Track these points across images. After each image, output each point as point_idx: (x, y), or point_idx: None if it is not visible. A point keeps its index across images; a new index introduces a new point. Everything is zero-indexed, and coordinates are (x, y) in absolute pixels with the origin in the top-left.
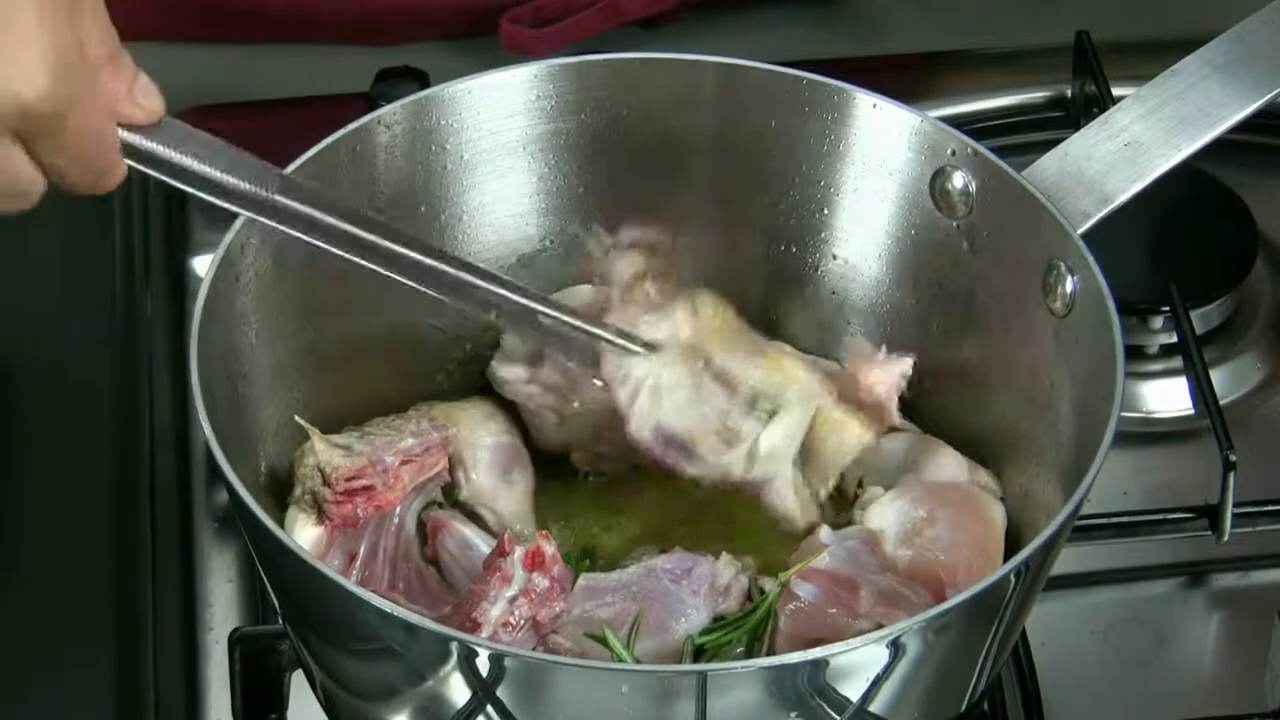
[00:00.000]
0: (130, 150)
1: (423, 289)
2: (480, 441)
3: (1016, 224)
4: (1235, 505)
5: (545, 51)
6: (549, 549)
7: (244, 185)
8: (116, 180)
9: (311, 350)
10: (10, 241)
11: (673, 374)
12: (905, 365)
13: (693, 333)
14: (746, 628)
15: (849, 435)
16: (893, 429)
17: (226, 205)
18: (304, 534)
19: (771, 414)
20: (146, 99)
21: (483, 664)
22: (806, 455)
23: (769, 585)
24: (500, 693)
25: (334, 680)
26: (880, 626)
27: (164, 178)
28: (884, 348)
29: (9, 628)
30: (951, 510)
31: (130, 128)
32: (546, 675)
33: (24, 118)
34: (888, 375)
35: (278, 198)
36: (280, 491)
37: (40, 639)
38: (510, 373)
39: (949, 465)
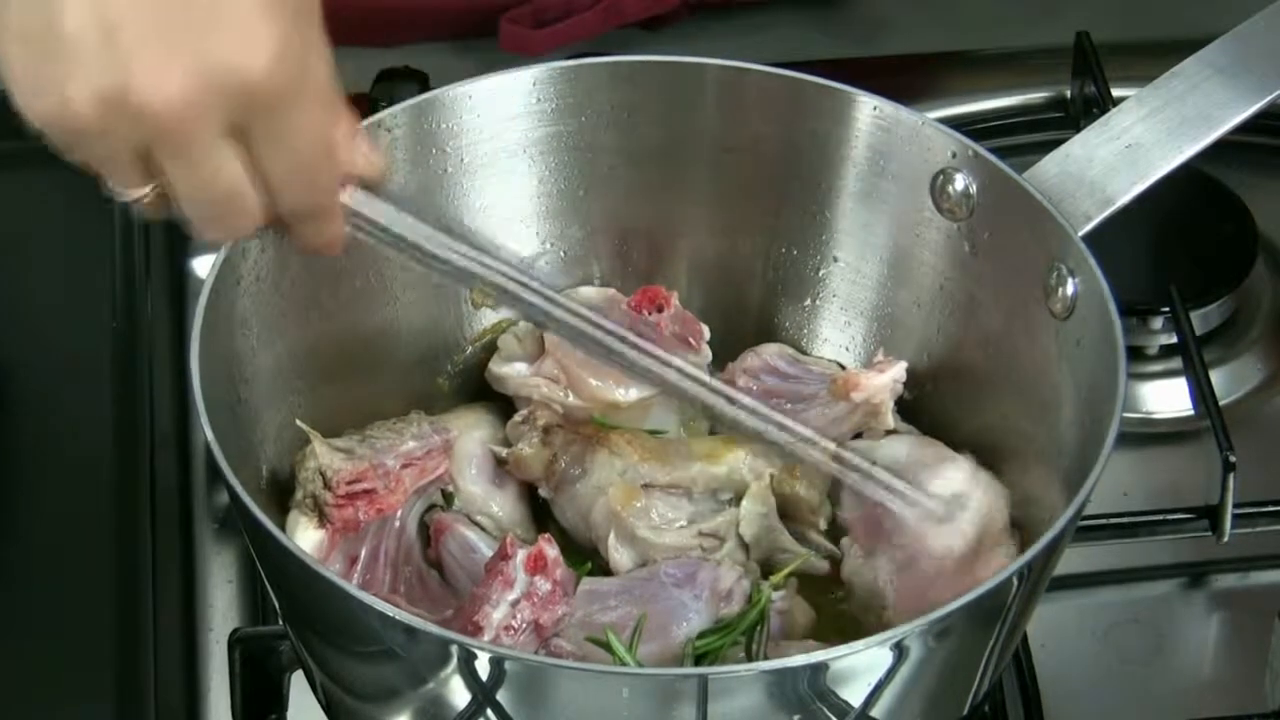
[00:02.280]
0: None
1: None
2: (464, 450)
3: (1017, 226)
4: (1235, 506)
5: (545, 51)
6: (551, 552)
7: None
8: (336, 232)
9: (312, 353)
10: (10, 241)
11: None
12: (899, 370)
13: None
14: (739, 629)
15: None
16: (891, 432)
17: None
18: (305, 537)
19: (735, 499)
20: (370, 151)
21: (483, 667)
22: (786, 508)
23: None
24: (501, 696)
25: (334, 682)
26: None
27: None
28: (880, 351)
29: (9, 628)
30: None
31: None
32: (548, 679)
33: (247, 95)
34: (883, 380)
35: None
36: (282, 495)
37: (40, 639)
38: (510, 369)
39: (950, 467)
